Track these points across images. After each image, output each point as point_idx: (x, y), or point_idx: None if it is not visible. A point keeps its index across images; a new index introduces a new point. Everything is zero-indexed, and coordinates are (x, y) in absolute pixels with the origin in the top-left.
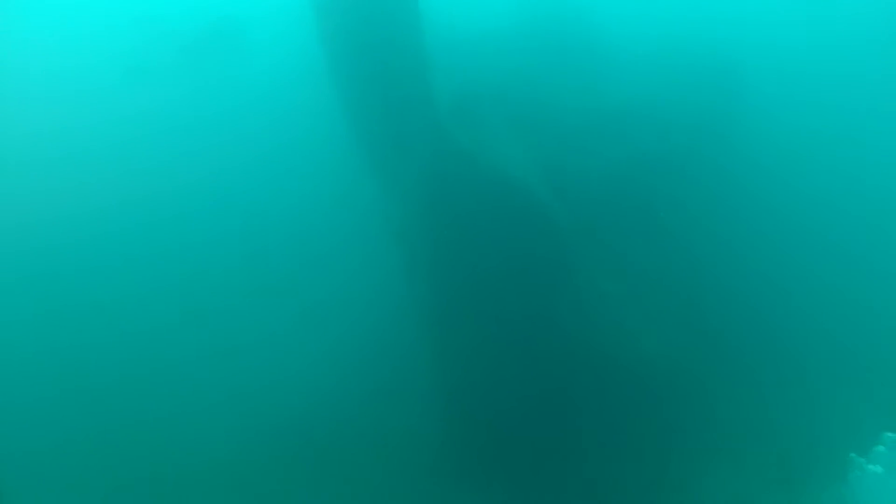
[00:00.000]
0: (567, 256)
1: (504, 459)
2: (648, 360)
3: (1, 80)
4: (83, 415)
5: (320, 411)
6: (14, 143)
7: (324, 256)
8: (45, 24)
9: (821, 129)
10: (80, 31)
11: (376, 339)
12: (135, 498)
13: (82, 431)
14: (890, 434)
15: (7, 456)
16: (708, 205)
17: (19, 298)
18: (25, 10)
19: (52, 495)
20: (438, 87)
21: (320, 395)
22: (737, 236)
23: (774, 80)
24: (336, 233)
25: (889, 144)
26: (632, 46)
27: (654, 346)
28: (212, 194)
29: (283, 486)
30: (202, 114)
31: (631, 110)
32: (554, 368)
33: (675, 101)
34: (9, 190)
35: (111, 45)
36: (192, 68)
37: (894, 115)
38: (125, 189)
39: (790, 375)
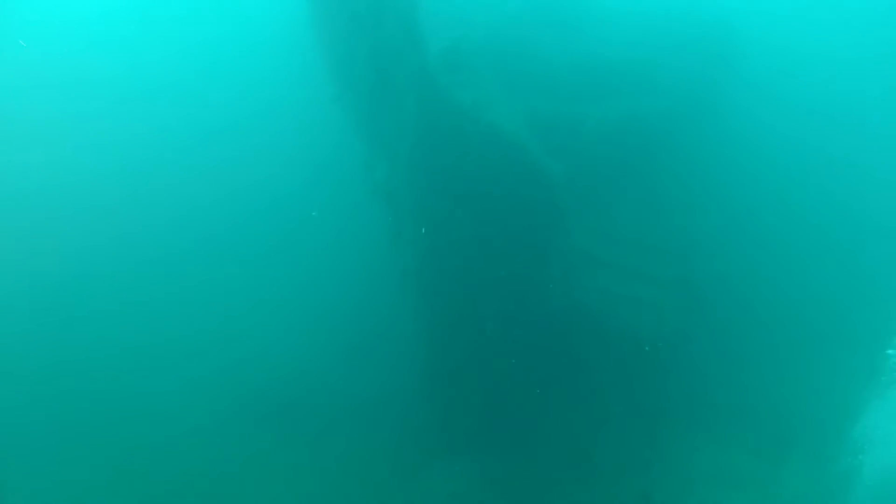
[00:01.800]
0: (559, 215)
1: (489, 429)
2: (638, 327)
3: None
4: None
5: (305, 377)
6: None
7: (306, 216)
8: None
9: (817, 84)
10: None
11: (360, 303)
12: (126, 469)
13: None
14: None
15: (7, 456)
16: (703, 164)
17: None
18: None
19: (52, 493)
20: (428, 39)
21: (305, 360)
22: (733, 196)
23: (770, 35)
24: (319, 191)
25: (884, 102)
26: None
27: (644, 312)
28: (187, 164)
29: (269, 456)
30: (174, 77)
31: (626, 65)
32: (541, 335)
33: (671, 57)
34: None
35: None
36: (169, 22)
37: (889, 73)
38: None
39: (781, 345)
